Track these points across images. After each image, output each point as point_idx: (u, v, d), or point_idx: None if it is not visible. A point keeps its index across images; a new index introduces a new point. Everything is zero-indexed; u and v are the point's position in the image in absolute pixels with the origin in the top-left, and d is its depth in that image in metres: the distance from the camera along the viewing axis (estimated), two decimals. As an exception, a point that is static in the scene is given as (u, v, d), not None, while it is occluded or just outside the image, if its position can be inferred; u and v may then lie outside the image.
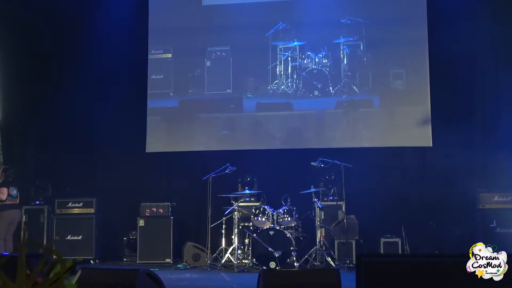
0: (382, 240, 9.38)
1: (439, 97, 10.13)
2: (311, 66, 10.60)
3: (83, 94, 10.71)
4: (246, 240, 9.21)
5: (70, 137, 10.61)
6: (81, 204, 10.18)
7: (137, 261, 9.88)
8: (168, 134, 11.07)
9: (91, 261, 9.89)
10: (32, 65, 11.06)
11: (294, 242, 8.77)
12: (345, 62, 10.60)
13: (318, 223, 9.19)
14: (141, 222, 10.01)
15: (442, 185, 9.70)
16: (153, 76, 11.03)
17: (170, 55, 11.06)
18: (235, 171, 9.49)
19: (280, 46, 10.76)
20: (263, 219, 9.11)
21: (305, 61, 10.63)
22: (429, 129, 10.11)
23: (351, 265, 8.80)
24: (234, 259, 8.94)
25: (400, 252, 9.24)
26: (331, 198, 9.67)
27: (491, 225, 9.24)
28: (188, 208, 10.48)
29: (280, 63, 10.74)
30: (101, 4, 10.92)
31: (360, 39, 10.55)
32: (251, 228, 9.22)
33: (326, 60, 10.58)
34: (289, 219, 9.08)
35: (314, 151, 9.95)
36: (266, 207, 9.21)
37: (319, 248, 8.96)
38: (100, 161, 10.66)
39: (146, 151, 10.77)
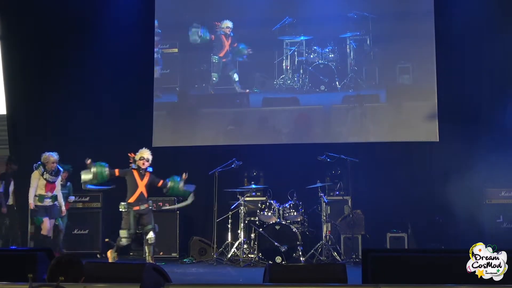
0: (389, 235, 9.39)
1: (446, 91, 10.10)
2: (318, 61, 10.59)
3: (90, 88, 10.75)
4: (252, 235, 9.22)
5: (76, 131, 10.61)
6: (87, 199, 10.21)
7: (143, 256, 9.90)
8: (174, 128, 11.08)
9: (98, 255, 9.93)
10: (39, 60, 11.07)
11: (300, 237, 8.79)
12: (351, 56, 10.58)
13: (324, 218, 9.19)
14: (148, 217, 10.02)
15: (448, 180, 9.66)
16: (159, 71, 11.03)
17: (176, 50, 11.06)
18: (242, 166, 9.50)
19: (287, 41, 10.75)
20: (269, 213, 9.12)
21: (312, 56, 10.62)
22: (435, 124, 10.08)
23: (357, 260, 8.81)
24: (240, 254, 8.96)
25: (406, 247, 9.24)
26: (337, 193, 9.67)
27: (497, 220, 9.22)
28: (195, 203, 10.44)
29: (287, 58, 10.72)
30: (108, -1, 10.97)
31: (366, 33, 10.52)
32: (257, 222, 9.24)
33: (332, 55, 10.57)
34: (295, 213, 9.09)
35: (320, 146, 9.94)
36: (272, 201, 9.22)
37: (325, 243, 8.97)
38: (107, 155, 10.64)
39: (153, 146, 10.77)
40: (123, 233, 8.22)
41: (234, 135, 10.89)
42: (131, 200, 8.25)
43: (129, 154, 8.47)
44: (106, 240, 9.18)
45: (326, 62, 10.57)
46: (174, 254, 9.83)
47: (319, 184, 9.28)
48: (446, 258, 4.44)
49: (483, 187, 9.41)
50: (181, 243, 9.87)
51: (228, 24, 10.69)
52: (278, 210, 9.13)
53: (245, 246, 9.13)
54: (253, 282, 6.49)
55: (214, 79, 10.87)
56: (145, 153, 8.38)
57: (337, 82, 10.52)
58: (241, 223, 9.22)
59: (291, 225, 8.90)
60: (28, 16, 11.03)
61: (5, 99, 11.25)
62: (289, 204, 9.15)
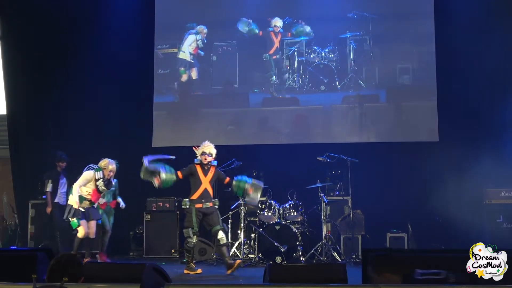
0: (389, 235, 9.39)
1: (446, 92, 10.10)
2: (318, 61, 10.60)
3: (90, 89, 10.74)
4: (252, 235, 9.22)
5: (76, 132, 10.60)
6: (87, 199, 10.18)
7: (144, 256, 9.91)
8: (174, 128, 11.08)
9: (98, 255, 9.90)
10: (39, 60, 11.07)
11: (300, 237, 8.78)
12: (351, 57, 10.58)
13: (324, 218, 9.19)
14: (148, 217, 10.05)
15: (448, 180, 9.66)
16: (159, 71, 11.03)
17: (176, 50, 11.06)
18: (241, 166, 9.48)
19: (287, 41, 10.75)
20: (269, 213, 9.11)
21: (312, 56, 10.63)
22: (435, 124, 10.08)
23: (357, 260, 8.81)
24: (240, 254, 8.96)
25: (406, 247, 9.24)
26: (337, 193, 9.67)
27: (497, 220, 9.21)
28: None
29: (287, 58, 10.72)
30: (108, -1, 10.97)
31: (366, 33, 10.53)
32: (257, 222, 9.23)
33: (332, 55, 10.57)
34: (295, 214, 9.09)
35: (320, 146, 9.94)
36: (272, 201, 9.22)
37: (325, 243, 8.96)
38: (107, 155, 10.64)
39: (153, 146, 10.77)
40: (186, 232, 7.78)
41: (234, 135, 10.89)
42: (194, 197, 7.80)
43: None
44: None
45: (326, 62, 10.58)
46: (174, 254, 9.84)
47: (319, 184, 9.28)
48: (446, 258, 4.44)
49: (483, 187, 9.40)
50: (181, 243, 9.84)
51: (277, 23, 10.60)
52: (278, 210, 9.13)
53: (245, 246, 9.12)
54: (253, 282, 6.50)
55: (271, 79, 10.75)
56: (207, 148, 7.88)
57: (337, 82, 10.53)
58: (241, 223, 9.21)
59: (291, 225, 8.90)
60: (28, 16, 11.03)
61: (5, 99, 11.26)
62: (289, 204, 9.15)
